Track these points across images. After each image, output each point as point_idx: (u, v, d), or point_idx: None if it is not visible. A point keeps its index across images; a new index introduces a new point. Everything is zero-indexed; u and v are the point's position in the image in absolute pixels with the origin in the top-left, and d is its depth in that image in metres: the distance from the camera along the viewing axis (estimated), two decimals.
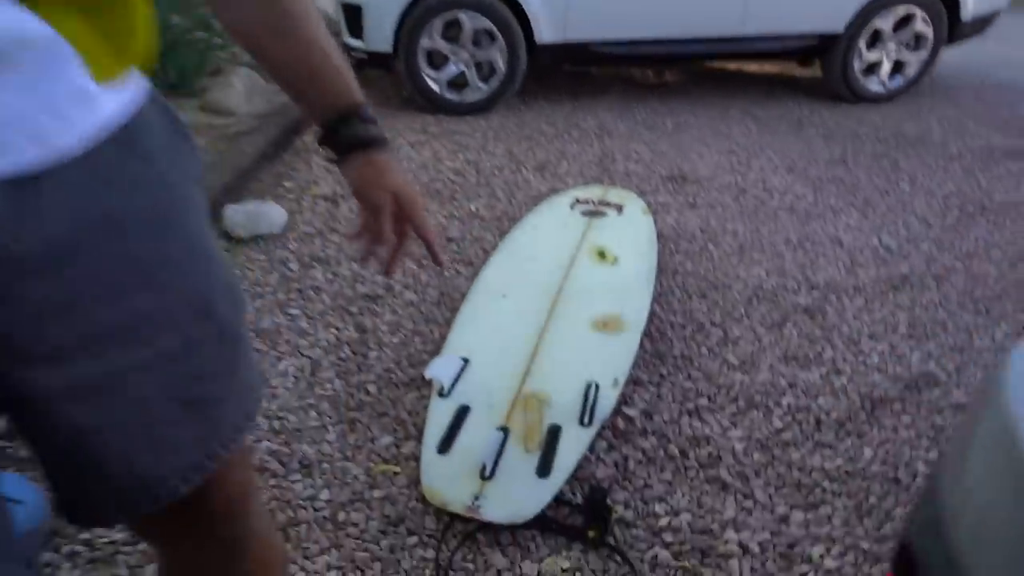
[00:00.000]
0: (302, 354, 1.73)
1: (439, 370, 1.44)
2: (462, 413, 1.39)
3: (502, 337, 1.63)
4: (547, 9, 3.71)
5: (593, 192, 2.50)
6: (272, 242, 2.35)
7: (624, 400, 1.54)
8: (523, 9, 3.66)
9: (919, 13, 3.91)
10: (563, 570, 1.13)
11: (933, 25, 3.96)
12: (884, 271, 2.18)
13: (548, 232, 2.18)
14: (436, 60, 3.76)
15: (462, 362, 1.53)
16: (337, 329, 1.84)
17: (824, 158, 3.28)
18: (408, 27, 3.62)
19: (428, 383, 1.60)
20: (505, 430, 1.33)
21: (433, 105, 3.81)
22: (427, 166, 3.09)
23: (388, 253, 0.76)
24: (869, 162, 3.23)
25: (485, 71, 3.80)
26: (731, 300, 1.99)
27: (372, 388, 1.59)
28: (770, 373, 1.65)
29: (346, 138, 0.72)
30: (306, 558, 1.16)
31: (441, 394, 1.44)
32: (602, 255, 2.00)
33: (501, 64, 3.74)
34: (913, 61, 4.09)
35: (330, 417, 1.50)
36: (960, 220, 2.58)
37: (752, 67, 5.15)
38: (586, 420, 1.35)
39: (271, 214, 2.44)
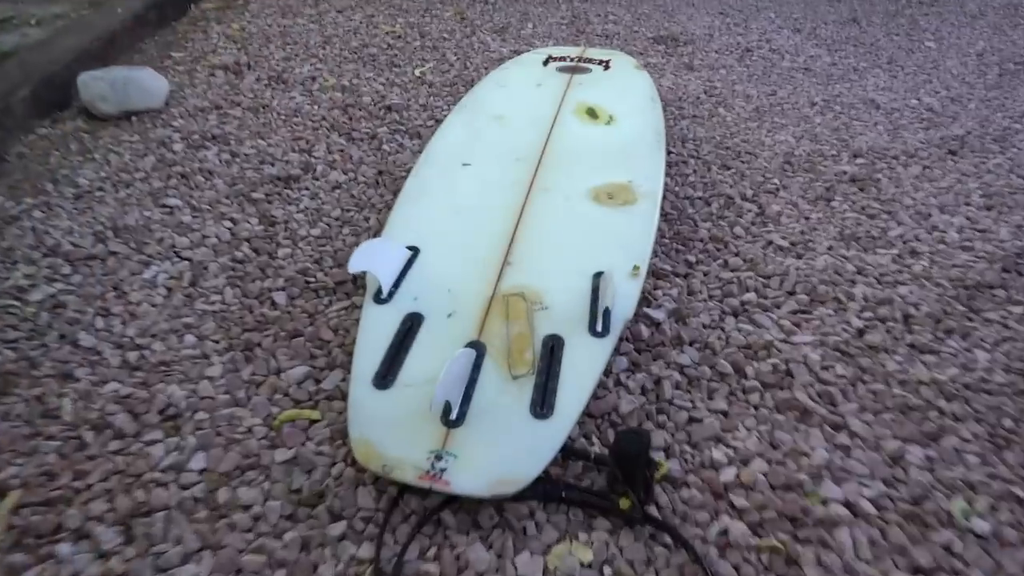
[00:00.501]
0: (180, 256, 1.20)
1: (372, 260, 0.95)
2: (411, 325, 0.92)
3: (466, 217, 1.14)
4: None
5: (570, 51, 1.95)
6: (150, 120, 1.75)
7: (644, 299, 1.09)
8: None
9: None
10: (584, 565, 0.70)
11: None
12: (934, 134, 1.75)
13: (519, 89, 1.65)
14: None
15: (407, 252, 1.04)
16: (233, 222, 1.31)
17: (832, 18, 2.78)
18: None
19: (359, 286, 1.11)
20: (478, 347, 0.87)
21: None
22: (358, 31, 2.45)
23: None
24: (884, 21, 2.75)
25: None
26: (760, 169, 1.54)
27: (280, 298, 1.10)
28: (830, 257, 1.22)
29: None
30: (161, 572, 0.70)
31: (379, 299, 0.95)
32: (592, 114, 1.50)
33: None
34: None
35: (215, 342, 1.01)
36: (1003, 78, 2.16)
37: None
38: (599, 327, 0.90)
39: (146, 83, 1.81)
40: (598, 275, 0.99)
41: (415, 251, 1.05)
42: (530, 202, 1.17)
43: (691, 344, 1.01)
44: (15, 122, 1.68)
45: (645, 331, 1.01)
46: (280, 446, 0.84)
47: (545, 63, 1.84)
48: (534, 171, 1.26)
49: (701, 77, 2.11)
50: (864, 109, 1.91)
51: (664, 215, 1.34)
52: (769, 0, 3.05)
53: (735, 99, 1.95)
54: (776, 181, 1.49)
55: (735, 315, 1.08)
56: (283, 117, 1.76)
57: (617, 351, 0.97)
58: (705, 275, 1.16)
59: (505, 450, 0.76)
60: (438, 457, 0.75)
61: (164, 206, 1.36)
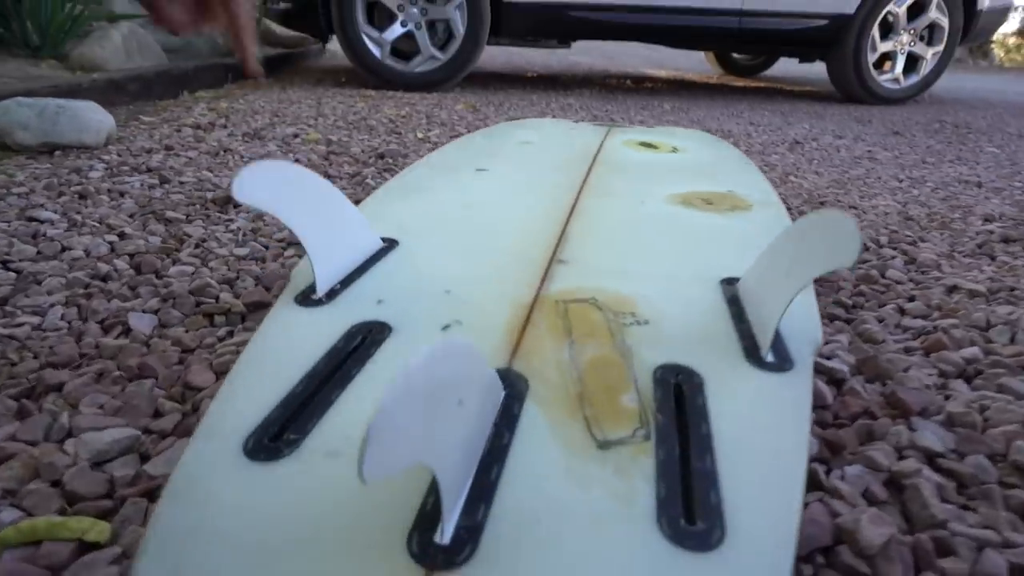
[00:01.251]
0: (7, 267, 0.74)
1: (291, 201, 0.47)
2: (363, 341, 0.43)
3: (480, 211, 0.69)
4: None
5: (601, 124, 1.66)
6: (76, 155, 1.38)
7: None
8: None
9: None
10: None
11: (949, 13, 3.49)
12: None
13: (547, 129, 1.30)
14: (379, 18, 2.96)
15: (377, 242, 0.58)
16: (121, 236, 0.86)
17: (871, 131, 2.59)
18: None
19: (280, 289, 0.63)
20: (510, 381, 0.38)
21: (373, 75, 2.97)
22: (359, 111, 2.21)
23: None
24: (930, 134, 2.55)
25: (440, 34, 3.03)
26: (876, 224, 1.13)
27: (141, 322, 0.61)
28: None
29: None
30: None
31: (308, 299, 0.47)
32: (650, 145, 1.12)
33: (460, 25, 2.97)
34: (928, 56, 3.59)
35: None
36: None
37: (738, 82, 4.63)
38: (766, 354, 0.42)
39: (83, 114, 1.46)
40: (731, 282, 0.52)
41: (390, 244, 0.59)
42: (584, 201, 0.73)
43: (921, 414, 0.51)
44: None
45: (827, 392, 0.52)
46: None
47: (576, 122, 1.52)
48: (582, 179, 0.84)
49: (755, 160, 1.80)
50: (963, 187, 1.57)
51: None
52: (794, 120, 2.90)
53: (803, 174, 1.61)
54: (909, 234, 1.07)
55: (966, 378, 0.59)
56: (246, 159, 1.39)
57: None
58: (880, 321, 0.69)
59: None
60: None
61: (31, 219, 0.92)
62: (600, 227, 0.65)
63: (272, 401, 0.37)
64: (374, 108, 2.31)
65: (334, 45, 3.56)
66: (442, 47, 3.03)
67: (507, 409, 0.36)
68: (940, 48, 3.63)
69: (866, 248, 0.96)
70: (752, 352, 0.42)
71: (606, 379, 0.39)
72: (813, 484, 0.42)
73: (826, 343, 0.62)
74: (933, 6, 3.52)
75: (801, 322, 0.47)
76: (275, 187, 0.45)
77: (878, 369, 0.56)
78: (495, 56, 5.35)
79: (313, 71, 3.72)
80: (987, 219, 1.25)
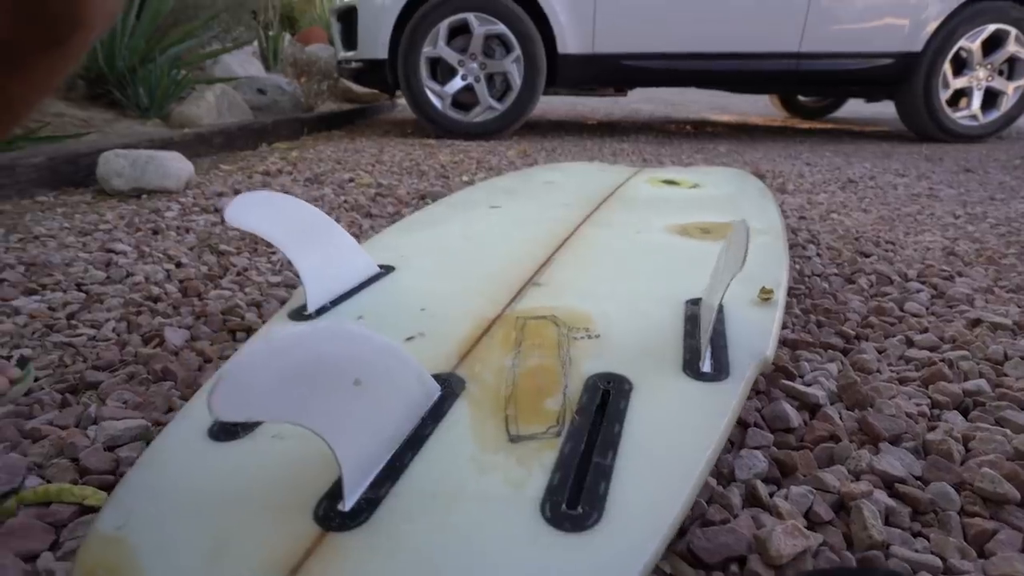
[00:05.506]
0: (80, 288, 0.85)
1: (285, 229, 0.54)
2: None
3: (479, 242, 0.74)
4: (573, 14, 3.14)
5: (634, 166, 1.70)
6: (159, 198, 1.55)
7: (780, 371, 0.61)
8: (543, 12, 3.10)
9: (1013, 31, 3.28)
10: None
11: None
12: None
13: (576, 169, 1.35)
14: (440, 73, 3.16)
15: (373, 268, 0.63)
16: (178, 265, 0.97)
17: (940, 170, 2.47)
18: (408, 30, 3.05)
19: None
20: (448, 382, 0.42)
21: (434, 125, 3.15)
22: (415, 158, 2.35)
23: None
24: (1007, 171, 2.41)
25: (498, 86, 3.18)
26: (912, 259, 1.09)
27: (175, 336, 0.68)
28: None
29: None
30: None
31: (299, 314, 0.53)
32: (671, 183, 1.15)
33: (517, 77, 3.11)
34: (1010, 91, 3.40)
35: (35, 380, 0.59)
36: None
37: (803, 125, 4.54)
38: (704, 365, 0.43)
39: (167, 163, 1.65)
40: (694, 302, 0.54)
41: (387, 270, 0.64)
42: (581, 231, 0.77)
43: (894, 442, 0.50)
44: (16, 190, 1.51)
45: (793, 416, 0.52)
46: None
47: (612, 163, 1.57)
48: (589, 212, 0.88)
49: (801, 198, 1.77)
50: None
51: (788, 290, 0.89)
52: (858, 159, 2.82)
53: (849, 211, 1.57)
54: (946, 268, 1.03)
55: (963, 411, 0.57)
56: (303, 199, 1.52)
57: (741, 440, 0.47)
58: (881, 352, 0.68)
59: None
60: None
61: (108, 250, 1.05)
62: (586, 254, 0.68)
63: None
64: (430, 155, 2.45)
65: (404, 99, 3.80)
66: (500, 98, 3.17)
67: (438, 405, 0.39)
68: (1023, 82, 3.44)
69: (889, 281, 0.93)
70: (691, 364, 0.44)
71: (538, 384, 0.42)
72: (753, 501, 0.42)
73: (812, 371, 0.61)
74: (1012, 39, 3.36)
75: (755, 338, 0.48)
76: (267, 213, 0.52)
77: (858, 397, 0.55)
78: (557, 106, 5.52)
79: (383, 123, 3.97)
80: None
